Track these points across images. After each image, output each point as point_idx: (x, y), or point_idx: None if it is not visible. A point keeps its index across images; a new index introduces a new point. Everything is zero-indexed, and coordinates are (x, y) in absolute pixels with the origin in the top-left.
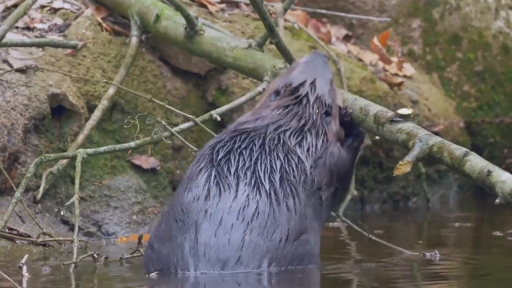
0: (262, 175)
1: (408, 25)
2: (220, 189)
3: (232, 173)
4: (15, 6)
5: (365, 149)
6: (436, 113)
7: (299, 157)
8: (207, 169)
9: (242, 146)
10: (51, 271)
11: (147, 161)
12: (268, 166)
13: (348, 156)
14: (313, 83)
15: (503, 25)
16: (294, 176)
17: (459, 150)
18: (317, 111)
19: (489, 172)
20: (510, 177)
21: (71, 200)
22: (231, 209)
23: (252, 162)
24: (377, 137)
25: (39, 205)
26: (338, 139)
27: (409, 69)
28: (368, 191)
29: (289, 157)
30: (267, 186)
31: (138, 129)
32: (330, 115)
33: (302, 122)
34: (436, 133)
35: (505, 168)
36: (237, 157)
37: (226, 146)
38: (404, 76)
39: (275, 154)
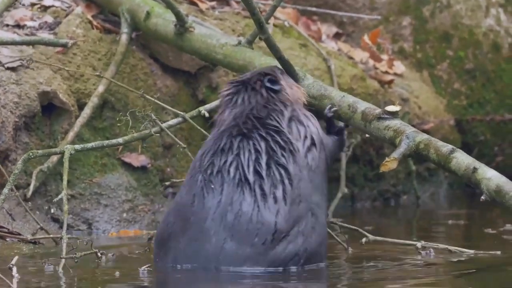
0: (246, 167)
1: (398, 23)
2: (204, 195)
3: (215, 175)
4: None
5: (355, 146)
6: (427, 110)
7: (276, 126)
8: (195, 176)
9: (222, 143)
10: (53, 268)
11: (137, 159)
12: (253, 151)
13: (329, 137)
14: (252, 71)
15: (493, 23)
16: (282, 154)
17: (445, 147)
18: (258, 81)
19: (475, 169)
20: (495, 174)
21: (60, 196)
22: (214, 215)
23: (234, 153)
24: (367, 135)
25: (29, 203)
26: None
27: (399, 67)
28: (358, 189)
29: (269, 130)
30: (251, 180)
31: (129, 125)
32: (278, 83)
33: (254, 100)
34: (426, 131)
35: (496, 166)
36: (220, 157)
37: (211, 150)
38: (395, 74)
39: (256, 135)
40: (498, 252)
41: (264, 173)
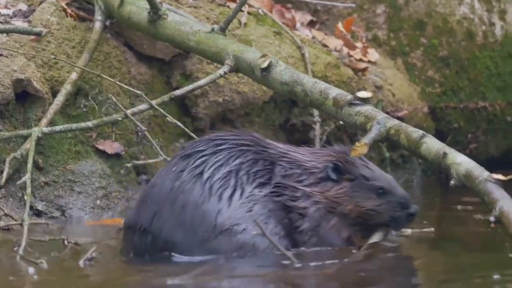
0: (208, 166)
1: (372, 11)
2: (164, 175)
3: (182, 159)
4: None
5: (329, 134)
6: (400, 98)
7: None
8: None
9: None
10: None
11: (111, 146)
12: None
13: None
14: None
15: (467, 11)
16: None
17: (416, 132)
18: (324, 164)
19: (445, 154)
20: (465, 159)
21: (23, 180)
22: (168, 195)
23: (210, 153)
24: (341, 122)
25: (3, 190)
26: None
27: (373, 54)
28: None
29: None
30: (205, 176)
31: (97, 110)
32: (339, 172)
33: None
34: (400, 118)
35: (469, 153)
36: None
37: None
38: (369, 61)
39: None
40: (432, 229)
41: (221, 177)
